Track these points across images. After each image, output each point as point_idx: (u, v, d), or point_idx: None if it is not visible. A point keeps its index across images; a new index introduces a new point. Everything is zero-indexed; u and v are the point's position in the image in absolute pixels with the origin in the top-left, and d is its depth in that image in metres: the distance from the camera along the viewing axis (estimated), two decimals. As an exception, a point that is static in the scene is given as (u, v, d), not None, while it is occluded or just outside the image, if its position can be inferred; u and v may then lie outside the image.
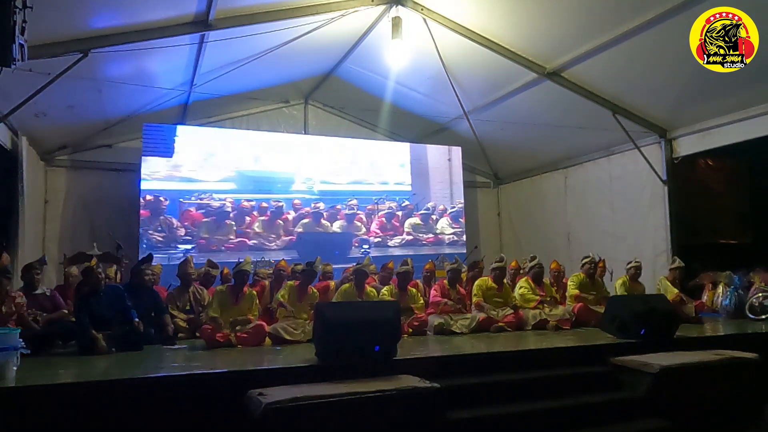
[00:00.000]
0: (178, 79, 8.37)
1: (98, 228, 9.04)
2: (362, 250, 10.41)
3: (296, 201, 10.37)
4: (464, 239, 11.43)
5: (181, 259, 7.16)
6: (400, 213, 11.32)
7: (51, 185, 9.23)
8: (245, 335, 5.60)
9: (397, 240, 11.06)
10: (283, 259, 7.83)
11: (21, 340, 3.86)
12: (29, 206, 8.03)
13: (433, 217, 11.39)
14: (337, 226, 10.61)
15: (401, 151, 11.47)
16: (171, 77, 8.25)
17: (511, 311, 6.81)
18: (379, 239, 10.89)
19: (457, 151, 11.49)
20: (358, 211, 10.75)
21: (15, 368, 3.72)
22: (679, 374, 4.47)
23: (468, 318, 6.59)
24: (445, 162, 11.67)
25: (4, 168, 7.67)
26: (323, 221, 10.54)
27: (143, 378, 3.98)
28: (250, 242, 9.73)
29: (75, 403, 3.46)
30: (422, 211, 11.35)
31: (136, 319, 5.30)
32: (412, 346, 5.23)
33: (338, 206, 10.81)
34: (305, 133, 10.91)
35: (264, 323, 5.80)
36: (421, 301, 6.85)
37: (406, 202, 11.22)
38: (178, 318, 6.32)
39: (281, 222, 10.14)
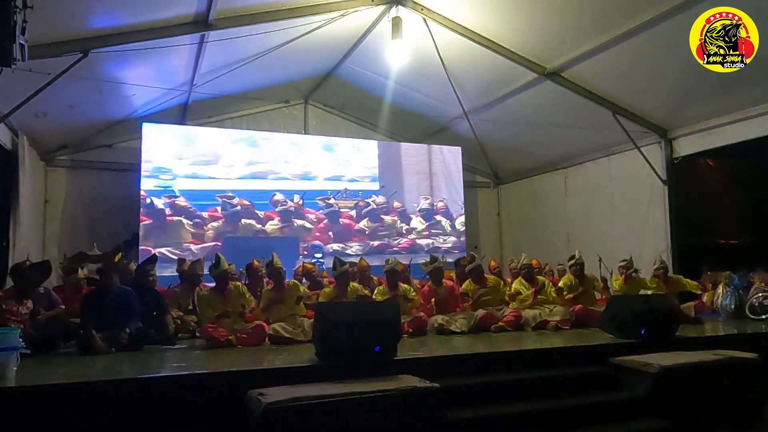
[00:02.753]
0: (178, 79, 8.37)
1: (98, 228, 9.05)
2: (314, 260, 9.07)
3: (229, 195, 9.37)
4: (448, 242, 10.85)
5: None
6: (353, 213, 10.25)
7: (51, 185, 9.25)
8: (245, 335, 5.60)
9: (360, 246, 10.02)
10: (254, 259, 7.59)
11: (21, 340, 3.86)
12: (29, 206, 8.04)
13: (394, 218, 10.52)
14: (274, 226, 9.44)
15: (364, 146, 10.70)
16: (171, 77, 8.26)
17: (510, 310, 6.81)
18: (338, 246, 9.83)
19: (439, 147, 11.26)
20: (306, 208, 9.70)
21: (15, 368, 3.72)
22: (679, 374, 4.46)
23: (467, 317, 6.58)
24: (423, 158, 11.00)
25: (4, 168, 7.67)
26: (245, 221, 9.37)
27: (143, 378, 3.98)
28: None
29: (75, 403, 3.45)
30: (369, 208, 10.23)
31: (126, 330, 5.20)
32: (412, 346, 5.23)
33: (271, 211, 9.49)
34: (305, 133, 10.91)
35: (264, 323, 5.80)
36: (414, 294, 6.82)
37: (373, 197, 10.39)
38: (186, 318, 6.32)
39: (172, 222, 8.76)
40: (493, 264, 8.26)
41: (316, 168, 10.28)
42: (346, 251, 9.80)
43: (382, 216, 10.62)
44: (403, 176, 10.98)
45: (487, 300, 6.95)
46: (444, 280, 7.14)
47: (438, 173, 11.24)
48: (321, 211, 10.12)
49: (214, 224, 9.37)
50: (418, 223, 10.92)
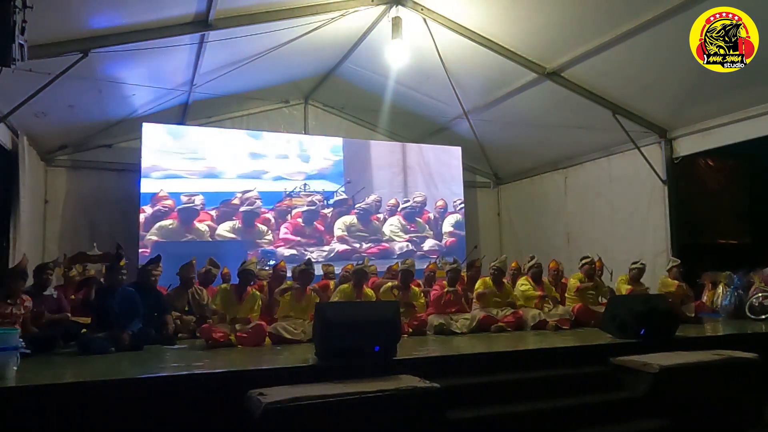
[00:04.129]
0: (178, 79, 8.37)
1: (98, 228, 9.05)
2: (267, 268, 8.01)
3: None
4: (425, 245, 10.12)
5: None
6: (329, 211, 9.30)
7: (51, 185, 9.25)
8: (245, 335, 5.59)
9: (322, 251, 8.86)
10: (282, 260, 7.62)
11: (21, 340, 3.86)
12: (29, 206, 8.03)
13: (378, 216, 9.78)
14: (226, 230, 8.68)
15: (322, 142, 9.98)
16: (171, 77, 8.26)
17: (512, 311, 6.81)
18: (294, 251, 8.81)
19: (417, 146, 11.02)
20: (263, 209, 8.77)
21: (15, 368, 3.72)
22: (679, 374, 4.46)
23: (468, 318, 6.60)
24: (396, 156, 10.33)
25: (4, 168, 7.67)
26: (198, 224, 8.64)
27: (143, 378, 3.98)
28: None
29: (75, 403, 3.45)
30: (361, 204, 9.29)
31: (129, 331, 5.26)
32: (412, 346, 5.23)
33: (235, 200, 8.70)
34: (305, 133, 10.91)
35: (264, 323, 5.80)
36: (422, 300, 6.87)
37: (342, 194, 9.41)
38: (186, 318, 6.32)
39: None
40: (515, 265, 8.17)
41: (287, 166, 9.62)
42: (307, 257, 8.47)
43: (372, 218, 10.04)
44: (372, 172, 10.20)
45: (497, 302, 6.96)
46: (457, 285, 7.12)
47: (412, 157, 10.74)
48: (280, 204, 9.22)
49: (167, 223, 8.80)
50: (397, 221, 10.31)
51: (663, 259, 8.48)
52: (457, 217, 11.15)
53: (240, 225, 8.94)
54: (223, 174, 9.40)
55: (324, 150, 10.25)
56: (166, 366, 4.57)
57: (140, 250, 8.60)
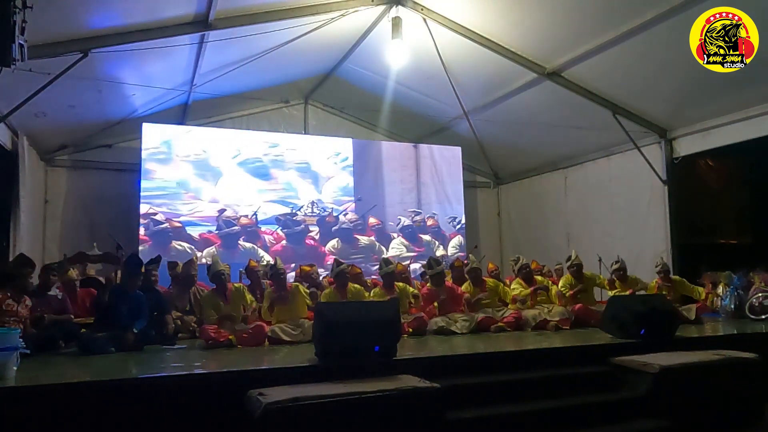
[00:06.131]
0: (178, 79, 8.38)
1: (98, 228, 9.05)
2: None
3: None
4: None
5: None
6: (316, 233, 8.73)
7: (51, 185, 9.26)
8: (245, 335, 5.60)
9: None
10: (251, 259, 7.34)
11: (21, 340, 3.86)
12: (29, 206, 8.04)
13: (371, 239, 9.21)
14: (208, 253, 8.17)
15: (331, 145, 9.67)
16: (171, 77, 8.26)
17: (510, 311, 6.81)
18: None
19: (429, 147, 10.87)
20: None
21: (15, 368, 3.72)
22: (679, 374, 4.46)
23: (468, 318, 6.59)
24: (409, 160, 10.05)
25: (4, 168, 7.68)
26: (176, 244, 8.45)
27: (143, 378, 3.98)
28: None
29: (75, 403, 3.45)
30: (344, 221, 8.77)
31: (135, 330, 5.30)
32: (412, 346, 5.23)
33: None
34: (305, 133, 10.91)
35: (264, 323, 5.80)
36: (411, 290, 6.83)
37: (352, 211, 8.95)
38: (186, 318, 6.32)
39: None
40: (491, 267, 8.21)
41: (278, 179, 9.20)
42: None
43: (357, 236, 9.55)
44: (384, 184, 9.93)
45: (486, 303, 6.95)
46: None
47: (425, 169, 10.49)
48: (278, 229, 8.89)
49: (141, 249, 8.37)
50: (399, 244, 9.87)
51: (663, 259, 8.47)
52: (460, 239, 10.94)
53: (220, 248, 8.52)
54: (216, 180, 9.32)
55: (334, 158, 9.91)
56: (166, 366, 4.57)
57: (140, 248, 8.58)
